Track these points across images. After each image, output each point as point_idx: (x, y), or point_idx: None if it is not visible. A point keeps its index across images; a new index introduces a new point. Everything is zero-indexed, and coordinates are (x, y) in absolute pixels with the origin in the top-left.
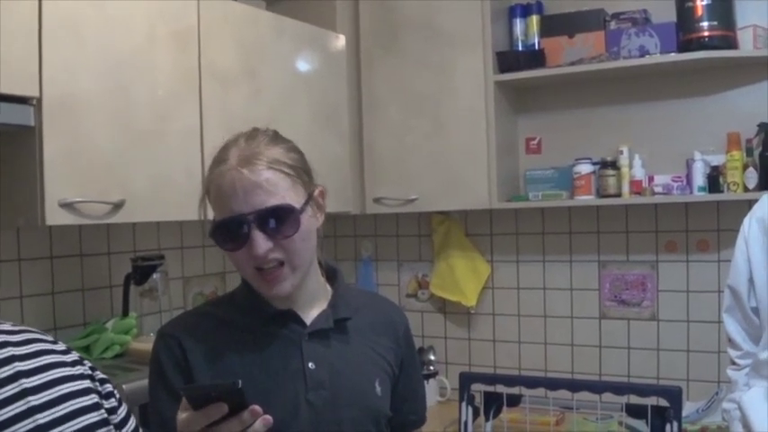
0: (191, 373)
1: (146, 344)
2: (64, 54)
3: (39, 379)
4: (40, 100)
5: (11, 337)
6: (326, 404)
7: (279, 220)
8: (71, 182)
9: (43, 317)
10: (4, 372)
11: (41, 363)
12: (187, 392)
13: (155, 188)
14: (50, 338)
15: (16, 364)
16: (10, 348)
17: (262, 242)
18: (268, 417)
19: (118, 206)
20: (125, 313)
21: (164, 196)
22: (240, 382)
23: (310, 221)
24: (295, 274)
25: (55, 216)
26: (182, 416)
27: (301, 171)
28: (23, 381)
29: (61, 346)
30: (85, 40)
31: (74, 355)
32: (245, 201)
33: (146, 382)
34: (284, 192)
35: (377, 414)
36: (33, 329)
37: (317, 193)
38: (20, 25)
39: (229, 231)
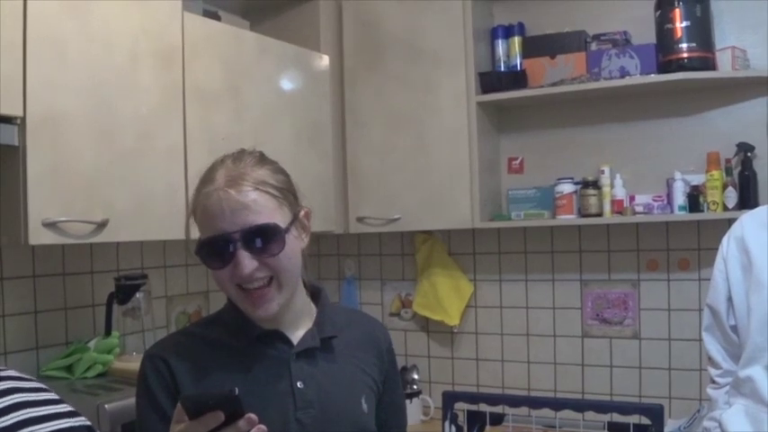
0: (178, 394)
1: (128, 363)
2: (48, 73)
3: None
4: (23, 119)
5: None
6: (315, 423)
7: (264, 239)
8: (54, 201)
9: (25, 336)
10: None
11: None
12: (184, 401)
13: (138, 207)
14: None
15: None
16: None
17: (247, 261)
18: (263, 426)
19: (101, 225)
20: (108, 332)
21: (147, 215)
22: (237, 389)
23: (295, 242)
24: (281, 294)
25: (38, 235)
26: (176, 427)
27: (287, 192)
28: None
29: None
30: (69, 58)
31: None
32: (231, 220)
33: (128, 401)
34: (270, 212)
35: (364, 431)
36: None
37: (302, 214)
38: (4, 45)
39: (215, 250)
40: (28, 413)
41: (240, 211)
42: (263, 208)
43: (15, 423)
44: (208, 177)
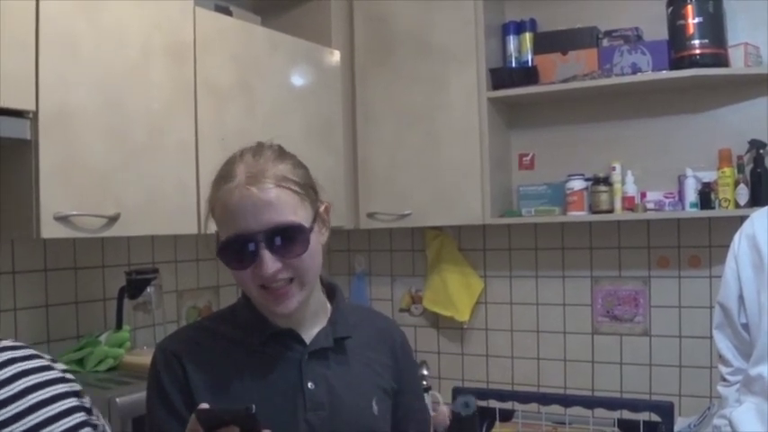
0: (190, 390)
1: (139, 357)
2: (60, 68)
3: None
4: (36, 113)
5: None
6: (325, 424)
7: (288, 239)
8: (66, 195)
9: (37, 329)
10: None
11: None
12: (200, 414)
13: (149, 202)
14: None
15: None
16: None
17: (270, 262)
18: None
19: (113, 220)
20: (119, 326)
21: (158, 210)
22: (254, 407)
23: (317, 240)
24: (302, 292)
25: (50, 229)
26: None
27: (309, 188)
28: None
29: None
30: (81, 54)
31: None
32: (253, 219)
33: (139, 395)
34: (293, 210)
35: None
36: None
37: (322, 209)
38: (17, 40)
39: (237, 250)
40: (29, 380)
41: (262, 209)
42: (286, 206)
43: (18, 392)
44: (227, 173)
